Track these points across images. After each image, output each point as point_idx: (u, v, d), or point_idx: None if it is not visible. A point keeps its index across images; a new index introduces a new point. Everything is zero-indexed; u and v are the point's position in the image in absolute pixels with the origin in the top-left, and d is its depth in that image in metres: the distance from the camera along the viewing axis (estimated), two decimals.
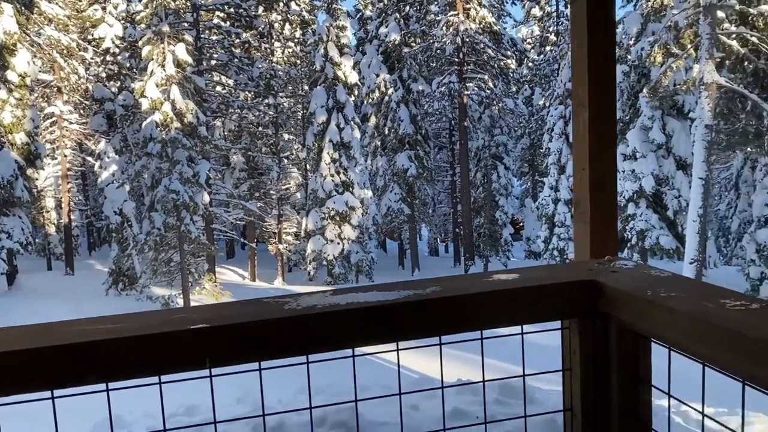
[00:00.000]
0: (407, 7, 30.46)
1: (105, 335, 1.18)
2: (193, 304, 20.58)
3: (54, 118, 25.63)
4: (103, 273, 24.03)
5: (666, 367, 1.39)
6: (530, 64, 36.76)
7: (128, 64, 25.75)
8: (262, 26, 27.90)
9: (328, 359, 1.34)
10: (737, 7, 16.40)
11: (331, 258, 24.60)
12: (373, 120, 28.93)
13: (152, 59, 21.07)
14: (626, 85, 21.31)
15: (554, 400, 4.86)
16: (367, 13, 31.94)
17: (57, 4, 25.19)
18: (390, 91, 28.33)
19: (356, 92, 26.72)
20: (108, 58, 25.29)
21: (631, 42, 20.45)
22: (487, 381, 1.54)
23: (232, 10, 26.69)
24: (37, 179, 25.38)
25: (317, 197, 24.79)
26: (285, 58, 29.98)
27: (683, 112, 19.59)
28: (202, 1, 26.05)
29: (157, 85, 20.76)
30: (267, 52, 28.30)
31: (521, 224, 34.92)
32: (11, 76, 20.12)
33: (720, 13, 16.36)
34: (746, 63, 16.96)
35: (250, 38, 27.16)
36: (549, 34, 38.62)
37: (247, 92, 28.31)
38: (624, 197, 19.98)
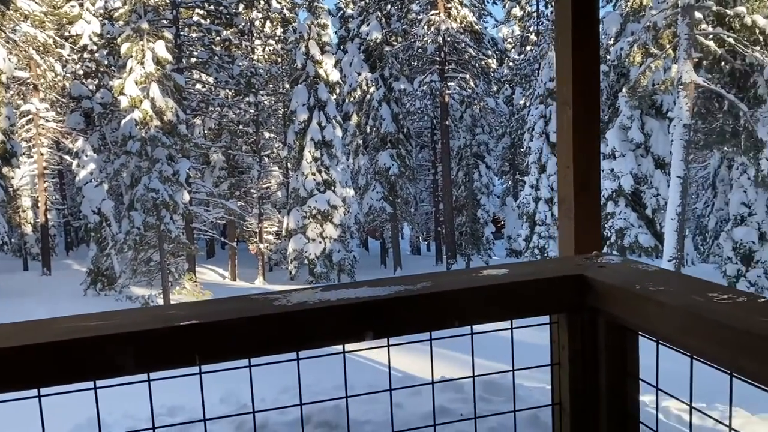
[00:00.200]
0: (388, 6, 30.47)
1: (94, 332, 1.17)
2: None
3: (30, 116, 25.25)
4: (81, 273, 23.72)
5: (647, 363, 1.40)
6: (511, 63, 36.97)
7: (106, 62, 25.45)
8: (243, 24, 27.73)
9: (313, 357, 1.33)
10: (714, 8, 16.65)
11: (312, 257, 24.53)
12: (354, 118, 28.89)
13: (131, 56, 20.85)
14: (606, 84, 21.53)
15: (538, 396, 4.90)
16: (349, 11, 31.88)
17: (33, 0, 24.80)
18: (372, 89, 28.31)
19: (338, 90, 26.65)
20: (85, 55, 24.94)
21: (611, 42, 20.66)
22: (475, 377, 1.55)
23: (212, 7, 26.47)
24: (12, 178, 25.02)
25: (298, 196, 24.70)
26: (266, 56, 29.83)
27: (662, 111, 19.84)
28: None
29: (136, 83, 20.54)
30: (247, 49, 28.13)
31: (502, 223, 35.15)
32: None
33: (698, 14, 16.59)
34: (723, 63, 17.22)
35: (231, 36, 26.98)
36: (529, 34, 38.86)
37: (227, 90, 28.12)
38: (603, 196, 20.19)
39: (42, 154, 25.53)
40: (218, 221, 27.41)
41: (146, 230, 21.10)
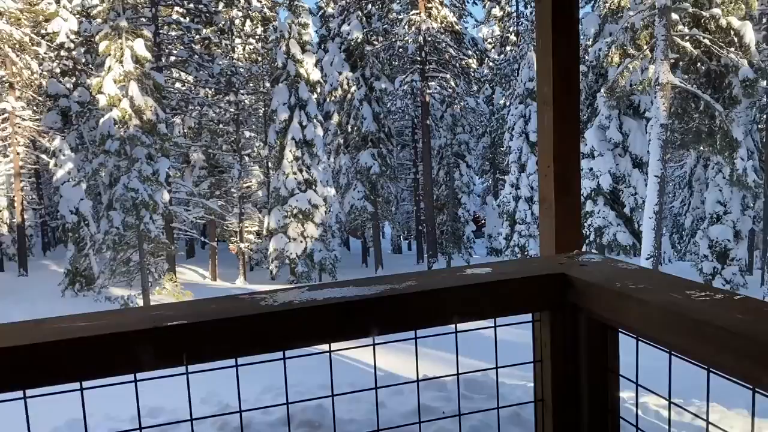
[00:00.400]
0: (369, 5, 30.46)
1: (80, 333, 1.17)
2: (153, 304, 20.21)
3: (6, 115, 24.86)
4: (58, 273, 23.41)
5: (627, 359, 1.43)
6: (491, 63, 37.16)
7: (84, 60, 25.13)
8: (223, 22, 27.53)
9: (300, 356, 1.34)
10: (691, 10, 16.89)
11: (293, 256, 24.46)
12: (335, 118, 28.85)
13: (110, 55, 20.61)
14: (584, 85, 21.74)
15: (519, 393, 4.95)
16: (329, 10, 31.78)
17: None
18: (353, 89, 28.29)
19: (318, 90, 26.60)
20: (63, 53, 24.61)
21: (589, 43, 20.87)
22: (457, 374, 1.56)
23: (191, 5, 26.25)
24: None
25: (279, 195, 24.60)
26: (246, 55, 29.65)
27: (639, 111, 20.09)
28: None
29: (115, 82, 20.31)
30: (227, 48, 27.94)
31: (483, 221, 35.34)
32: None
33: (674, 16, 16.83)
34: (699, 64, 17.49)
35: (211, 34, 26.78)
36: (509, 34, 39.10)
37: (207, 89, 27.92)
38: (582, 195, 20.39)
39: (18, 153, 25.17)
40: (198, 221, 27.21)
41: (125, 230, 20.88)
